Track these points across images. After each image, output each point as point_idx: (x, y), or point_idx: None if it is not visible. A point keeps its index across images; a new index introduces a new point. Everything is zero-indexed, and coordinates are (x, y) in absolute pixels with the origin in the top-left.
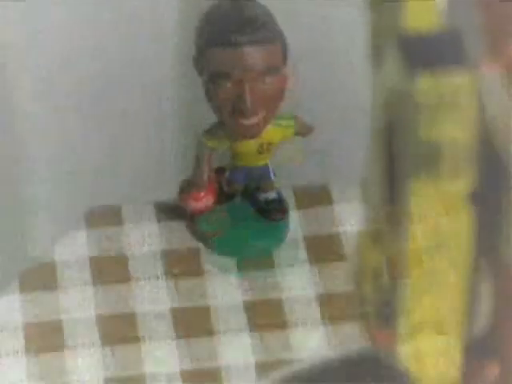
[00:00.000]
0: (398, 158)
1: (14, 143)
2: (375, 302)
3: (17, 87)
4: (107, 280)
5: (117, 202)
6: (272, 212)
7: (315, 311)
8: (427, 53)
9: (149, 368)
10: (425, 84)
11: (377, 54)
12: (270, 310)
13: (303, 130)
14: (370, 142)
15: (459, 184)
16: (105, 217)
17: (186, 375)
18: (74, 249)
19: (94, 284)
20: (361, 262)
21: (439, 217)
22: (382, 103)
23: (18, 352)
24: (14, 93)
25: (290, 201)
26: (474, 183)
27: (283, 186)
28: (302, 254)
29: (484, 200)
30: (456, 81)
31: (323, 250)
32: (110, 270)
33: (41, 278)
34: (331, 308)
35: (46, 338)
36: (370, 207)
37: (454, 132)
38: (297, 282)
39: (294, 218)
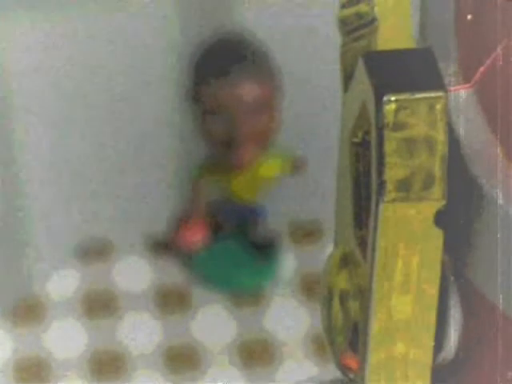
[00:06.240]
0: (365, 181)
1: (4, 181)
2: (342, 325)
3: (12, 112)
4: (98, 316)
5: (108, 236)
6: (264, 248)
7: (308, 347)
8: (395, 73)
9: None
10: (391, 106)
11: (347, 77)
12: (261, 348)
13: (299, 167)
14: (339, 165)
15: (427, 207)
16: (96, 252)
17: None
18: (64, 285)
19: (85, 320)
20: (328, 284)
21: (409, 244)
22: (350, 127)
23: None
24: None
25: (284, 237)
26: (442, 205)
27: (277, 221)
28: (295, 290)
29: (450, 222)
30: (425, 102)
31: (317, 286)
32: (100, 305)
33: (31, 314)
34: (324, 345)
35: (35, 374)
36: (341, 230)
37: (421, 153)
38: (288, 318)
39: (288, 254)
